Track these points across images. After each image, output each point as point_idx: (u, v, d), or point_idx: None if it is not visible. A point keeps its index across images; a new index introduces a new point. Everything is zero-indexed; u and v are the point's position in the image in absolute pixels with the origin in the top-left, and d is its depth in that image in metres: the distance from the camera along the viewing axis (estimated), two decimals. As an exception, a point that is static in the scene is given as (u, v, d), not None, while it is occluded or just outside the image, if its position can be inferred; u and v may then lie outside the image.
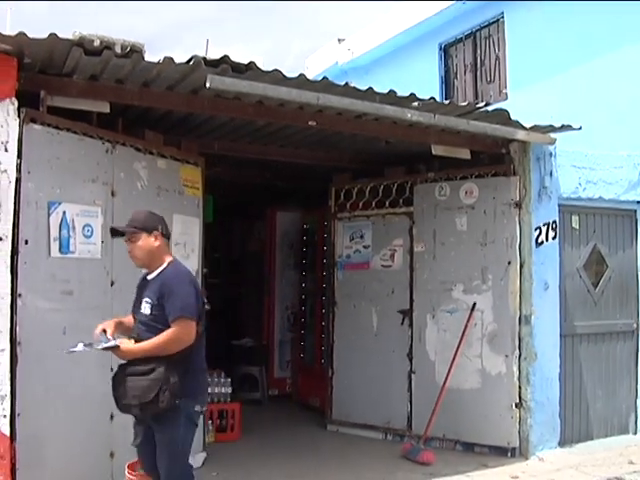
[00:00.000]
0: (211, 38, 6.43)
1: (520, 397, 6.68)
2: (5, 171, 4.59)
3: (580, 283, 7.24)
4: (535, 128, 6.51)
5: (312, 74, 10.45)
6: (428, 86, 10.49)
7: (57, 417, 4.91)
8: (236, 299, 11.04)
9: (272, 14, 36.01)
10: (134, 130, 5.90)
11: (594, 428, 7.22)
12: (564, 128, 6.55)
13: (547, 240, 6.83)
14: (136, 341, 4.06)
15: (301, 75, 5.21)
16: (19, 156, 4.68)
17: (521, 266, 6.75)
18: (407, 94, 5.67)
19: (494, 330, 6.81)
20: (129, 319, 4.31)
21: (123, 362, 4.07)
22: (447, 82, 11.57)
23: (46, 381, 4.81)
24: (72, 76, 4.99)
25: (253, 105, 5.71)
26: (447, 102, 6.40)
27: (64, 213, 5.02)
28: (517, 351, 6.70)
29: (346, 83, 5.45)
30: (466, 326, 6.86)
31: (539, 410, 6.68)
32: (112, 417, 5.06)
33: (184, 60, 4.80)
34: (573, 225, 7.22)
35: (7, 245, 4.58)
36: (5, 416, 4.51)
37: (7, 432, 4.52)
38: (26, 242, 4.75)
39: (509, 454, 6.64)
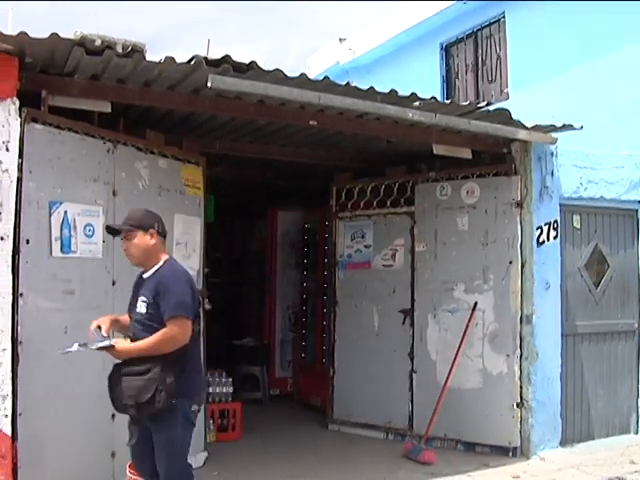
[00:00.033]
0: (211, 38, 6.41)
1: (521, 397, 6.67)
2: (6, 170, 4.59)
3: (581, 283, 7.24)
4: (536, 128, 6.51)
5: (313, 74, 10.45)
6: (429, 86, 10.49)
7: (58, 417, 4.91)
8: (237, 299, 11.04)
9: (272, 14, 36.04)
10: (135, 130, 5.90)
11: (595, 428, 7.22)
12: (565, 128, 6.54)
13: (548, 240, 6.83)
14: (132, 340, 4.04)
15: (302, 75, 5.21)
16: (20, 156, 4.68)
17: (522, 266, 6.75)
18: (408, 94, 5.66)
19: (495, 330, 6.81)
20: (125, 317, 4.28)
21: (118, 362, 4.05)
22: (448, 82, 11.57)
23: (47, 381, 4.82)
24: (73, 76, 5.00)
25: (254, 104, 5.71)
26: (448, 102, 6.40)
27: (65, 213, 5.02)
28: (518, 351, 6.69)
29: (347, 83, 5.45)
30: (467, 326, 6.86)
31: (540, 410, 6.67)
32: (113, 417, 5.05)
33: (185, 60, 4.80)
34: (574, 225, 7.22)
35: (8, 245, 4.59)
36: (6, 416, 4.51)
37: (9, 432, 4.52)
38: (27, 242, 4.75)
39: (510, 454, 6.63)
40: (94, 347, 3.96)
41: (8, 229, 4.59)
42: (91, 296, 5.19)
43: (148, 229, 4.15)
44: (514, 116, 6.27)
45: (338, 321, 7.96)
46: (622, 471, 6.21)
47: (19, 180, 4.68)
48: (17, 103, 4.63)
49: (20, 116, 4.66)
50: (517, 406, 6.66)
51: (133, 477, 4.50)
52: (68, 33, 4.46)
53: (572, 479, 6.10)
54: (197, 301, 4.20)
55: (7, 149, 4.59)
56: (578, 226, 7.24)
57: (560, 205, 6.98)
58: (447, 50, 11.59)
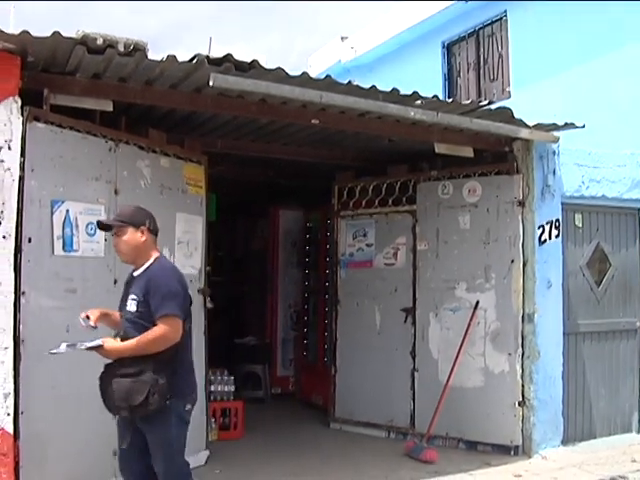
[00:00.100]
0: (213, 37, 6.41)
1: (523, 395, 6.67)
2: (9, 169, 4.60)
3: (583, 281, 7.23)
4: (538, 126, 6.50)
5: (315, 72, 10.47)
6: (431, 84, 10.47)
7: (60, 415, 4.92)
8: (239, 297, 11.05)
9: (272, 13, 36.06)
10: (137, 128, 5.90)
11: (597, 426, 7.21)
12: (567, 126, 6.54)
13: (550, 238, 6.83)
14: (122, 339, 3.98)
15: (304, 73, 5.21)
16: (22, 154, 4.68)
17: (524, 264, 6.75)
18: (410, 92, 5.66)
19: (497, 328, 6.81)
20: (117, 313, 4.22)
21: (109, 362, 3.99)
22: (450, 80, 11.57)
23: (49, 379, 4.82)
24: (75, 74, 5.00)
25: (256, 103, 5.71)
26: (450, 100, 6.41)
27: (67, 211, 5.03)
28: (520, 349, 6.69)
29: (349, 81, 5.45)
30: (469, 324, 6.86)
31: (542, 408, 6.67)
32: (115, 416, 5.06)
33: (187, 58, 4.80)
34: (576, 223, 7.21)
35: (10, 243, 4.59)
36: (9, 414, 4.52)
37: (11, 430, 4.53)
38: (29, 240, 4.76)
39: (512, 452, 6.63)
40: (83, 347, 3.90)
41: (10, 228, 4.59)
42: (93, 295, 5.19)
43: (139, 226, 4.10)
44: (516, 115, 6.26)
45: (340, 320, 7.96)
46: (624, 470, 6.20)
47: (21, 179, 4.68)
48: (19, 102, 4.64)
49: (22, 115, 4.66)
50: (519, 405, 6.66)
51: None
52: (70, 32, 4.46)
53: (574, 478, 6.09)
54: (188, 299, 4.15)
55: (9, 148, 4.60)
56: (580, 225, 7.23)
57: (562, 204, 6.98)
58: (449, 49, 11.59)
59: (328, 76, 5.43)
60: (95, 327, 4.03)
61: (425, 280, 7.30)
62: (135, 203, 4.86)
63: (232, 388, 7.44)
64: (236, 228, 11.55)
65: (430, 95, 5.78)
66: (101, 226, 4.36)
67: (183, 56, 4.78)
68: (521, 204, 6.80)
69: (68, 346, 3.92)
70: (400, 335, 7.41)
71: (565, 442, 6.86)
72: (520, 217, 6.78)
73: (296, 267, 9.96)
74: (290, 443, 7.18)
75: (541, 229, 6.77)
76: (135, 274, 4.15)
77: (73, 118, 5.13)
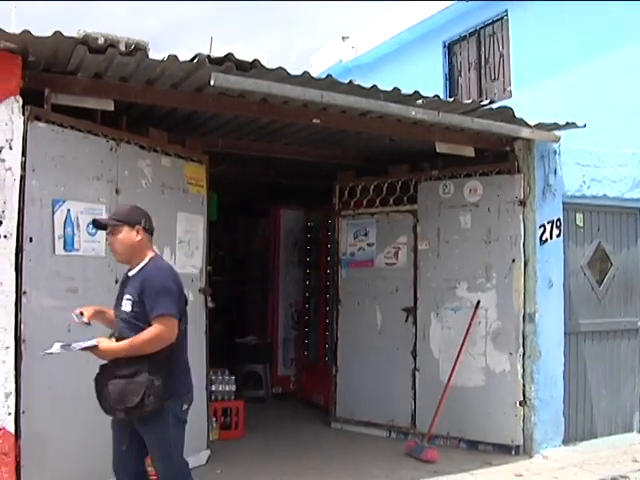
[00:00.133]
0: (213, 36, 6.41)
1: (524, 395, 6.67)
2: (10, 169, 4.60)
3: (584, 281, 7.23)
4: (539, 126, 6.50)
5: (316, 72, 10.48)
6: (432, 84, 10.47)
7: (61, 415, 4.92)
8: (240, 297, 11.05)
9: (272, 13, 36.07)
10: (138, 128, 5.90)
11: (598, 426, 7.21)
12: (568, 126, 6.53)
13: (551, 238, 6.82)
14: (117, 339, 3.95)
15: (305, 73, 5.20)
16: (24, 154, 4.68)
17: (525, 264, 6.74)
18: (411, 92, 5.65)
19: (498, 328, 6.81)
20: (112, 312, 4.19)
21: (104, 363, 3.96)
22: (451, 80, 11.56)
23: (50, 379, 4.82)
24: (76, 74, 5.00)
25: (257, 103, 5.71)
26: (451, 100, 6.39)
27: (68, 211, 5.03)
28: (521, 349, 6.69)
29: (350, 81, 5.44)
30: (470, 324, 6.86)
31: (543, 408, 6.67)
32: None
33: (188, 58, 4.80)
34: (577, 223, 7.21)
35: (12, 243, 4.59)
36: (10, 414, 4.52)
37: (12, 430, 4.53)
38: (30, 240, 4.76)
39: (513, 452, 6.63)
40: (77, 347, 3.86)
41: (11, 227, 4.59)
42: (94, 294, 5.18)
43: (135, 225, 4.06)
44: (517, 114, 6.25)
45: (341, 319, 7.97)
46: (625, 469, 6.20)
47: (22, 178, 4.68)
48: (20, 101, 4.64)
49: (23, 114, 4.66)
50: (520, 404, 6.66)
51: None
52: (71, 32, 4.46)
53: (575, 477, 6.09)
54: (184, 299, 4.11)
55: (10, 147, 4.60)
56: (581, 224, 7.23)
57: (563, 203, 6.98)
58: (450, 48, 11.58)
59: (329, 76, 5.43)
60: (88, 324, 4.01)
61: (426, 280, 7.29)
62: (136, 202, 4.86)
63: (233, 388, 7.44)
64: (237, 228, 11.55)
65: (431, 95, 5.78)
66: (97, 225, 4.35)
67: (183, 56, 4.78)
68: (522, 204, 6.80)
69: (62, 346, 3.88)
70: (401, 335, 7.41)
71: (566, 442, 6.86)
72: (521, 217, 6.78)
73: (297, 266, 9.96)
74: (291, 443, 7.18)
75: (542, 229, 6.77)
76: (130, 274, 4.12)
77: (74, 117, 5.13)
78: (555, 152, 6.91)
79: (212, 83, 4.87)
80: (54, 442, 4.88)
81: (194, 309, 6.28)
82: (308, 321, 9.60)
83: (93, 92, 5.10)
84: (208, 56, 4.81)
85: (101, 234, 5.18)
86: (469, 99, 7.14)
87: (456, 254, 7.11)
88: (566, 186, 6.99)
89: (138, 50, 4.66)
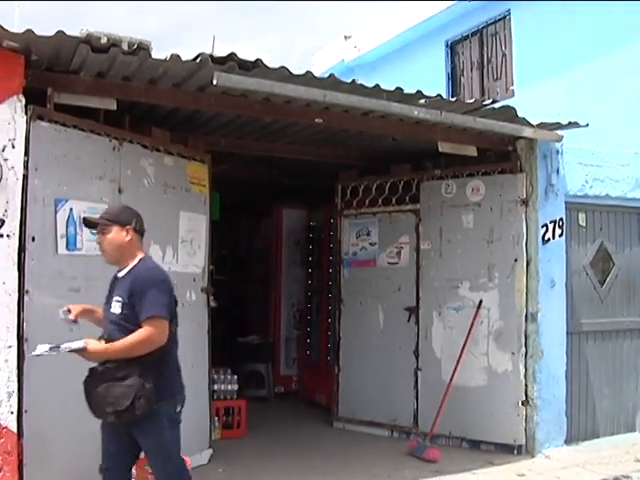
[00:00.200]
0: (215, 36, 6.41)
1: (526, 395, 6.67)
2: (12, 168, 4.61)
3: (587, 281, 7.22)
4: (542, 125, 6.50)
5: (318, 71, 10.45)
6: (435, 83, 10.46)
7: (64, 414, 4.91)
8: (242, 296, 11.05)
9: (273, 13, 36.08)
10: (141, 127, 5.90)
11: (600, 426, 7.20)
12: (571, 125, 6.53)
13: (554, 237, 6.82)
14: (106, 341, 3.88)
15: (308, 72, 5.20)
16: (26, 153, 4.69)
17: (527, 264, 6.74)
18: (414, 91, 5.65)
19: (500, 328, 6.80)
20: (101, 310, 4.14)
21: (93, 366, 3.88)
22: (454, 79, 11.56)
23: (53, 378, 4.81)
24: (79, 73, 5.00)
25: (260, 102, 5.71)
26: (454, 99, 6.40)
27: (71, 210, 5.03)
28: (523, 349, 6.69)
29: (353, 80, 5.44)
30: (472, 324, 6.85)
31: (545, 408, 6.67)
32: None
33: (191, 57, 4.80)
34: (580, 223, 7.20)
35: (14, 242, 4.60)
36: (12, 412, 4.53)
37: (14, 428, 4.54)
38: (33, 239, 4.76)
39: (515, 452, 6.63)
40: (66, 349, 3.78)
41: (14, 226, 4.60)
42: (97, 293, 5.14)
43: (125, 225, 4.00)
44: (519, 114, 6.25)
45: (343, 319, 7.97)
46: (627, 469, 6.19)
47: (25, 177, 4.69)
48: (23, 101, 4.64)
49: (26, 114, 4.67)
50: (522, 404, 6.65)
51: (138, 473, 4.51)
52: (74, 31, 4.46)
53: (577, 477, 6.09)
54: (174, 301, 4.03)
55: (13, 146, 4.61)
56: (583, 224, 7.23)
57: (565, 203, 6.97)
58: (452, 48, 11.58)
59: (332, 75, 5.43)
60: (75, 322, 3.98)
61: (428, 279, 7.29)
62: (139, 202, 4.88)
63: (235, 387, 7.45)
64: (239, 227, 11.56)
65: (434, 94, 5.78)
66: (87, 223, 4.27)
67: (184, 56, 4.78)
68: (525, 203, 6.79)
69: (51, 348, 3.79)
70: (403, 334, 7.41)
71: (568, 441, 6.85)
72: (524, 216, 6.78)
73: (299, 266, 9.96)
74: (293, 442, 7.19)
75: (545, 228, 6.77)
76: (119, 275, 4.06)
77: (77, 117, 5.13)
78: (558, 152, 6.90)
79: (215, 82, 4.87)
80: (57, 441, 4.88)
81: (196, 308, 6.30)
82: (310, 321, 9.61)
83: (96, 91, 5.10)
84: (211, 55, 4.82)
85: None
86: (472, 99, 7.12)
87: (458, 254, 7.11)
88: (568, 186, 6.98)
89: (141, 49, 4.67)
